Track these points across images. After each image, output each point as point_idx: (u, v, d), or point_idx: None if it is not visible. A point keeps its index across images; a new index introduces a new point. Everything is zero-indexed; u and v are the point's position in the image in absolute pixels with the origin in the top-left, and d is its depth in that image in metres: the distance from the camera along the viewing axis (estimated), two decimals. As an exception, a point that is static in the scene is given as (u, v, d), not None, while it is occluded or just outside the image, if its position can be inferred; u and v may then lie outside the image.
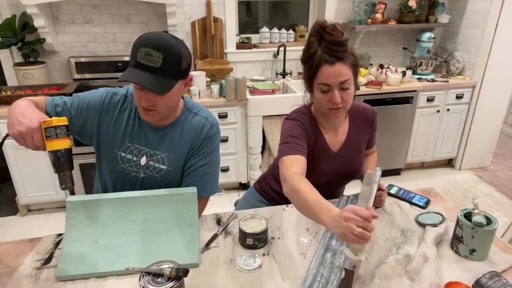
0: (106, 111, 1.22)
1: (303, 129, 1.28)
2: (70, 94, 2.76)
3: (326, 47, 1.16)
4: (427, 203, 1.38)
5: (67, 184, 1.03)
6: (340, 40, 1.16)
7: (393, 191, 1.45)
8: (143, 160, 1.25)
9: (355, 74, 1.22)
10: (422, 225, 1.24)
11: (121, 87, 1.32)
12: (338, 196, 1.55)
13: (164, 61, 1.04)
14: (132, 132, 1.22)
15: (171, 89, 1.09)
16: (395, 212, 1.34)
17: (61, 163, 1.00)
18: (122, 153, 1.24)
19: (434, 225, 1.22)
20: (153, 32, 1.09)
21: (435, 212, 1.30)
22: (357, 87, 1.28)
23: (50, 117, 1.15)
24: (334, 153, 1.35)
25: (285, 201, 1.52)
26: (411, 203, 1.39)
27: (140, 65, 1.05)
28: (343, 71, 1.17)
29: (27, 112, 1.01)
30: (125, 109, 1.23)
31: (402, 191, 1.45)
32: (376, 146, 1.57)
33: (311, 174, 1.21)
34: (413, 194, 1.43)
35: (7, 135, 1.04)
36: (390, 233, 1.22)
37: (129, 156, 1.24)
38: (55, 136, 0.99)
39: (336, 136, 1.36)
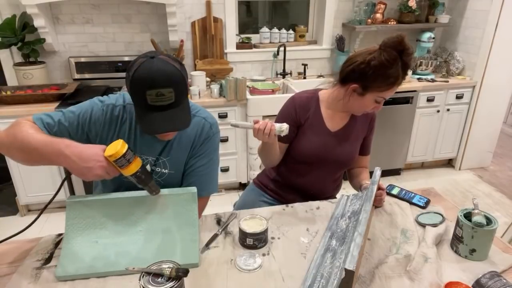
0: (109, 125, 1.18)
1: (291, 112, 1.46)
2: (71, 95, 2.75)
3: (403, 72, 1.29)
4: (427, 203, 1.38)
5: (156, 190, 1.07)
6: (411, 64, 1.30)
7: (394, 191, 1.45)
8: (147, 169, 1.24)
9: None
10: (422, 225, 1.24)
11: (115, 92, 1.29)
12: (331, 190, 1.62)
13: (176, 93, 1.02)
14: (134, 143, 1.21)
15: (190, 111, 1.09)
16: (395, 212, 1.34)
17: (143, 179, 1.03)
18: None
19: (434, 225, 1.22)
20: (149, 68, 0.99)
21: (435, 212, 1.30)
22: None
23: None
24: (331, 132, 1.48)
25: (282, 190, 1.59)
26: (411, 203, 1.39)
27: (155, 107, 1.01)
28: None
29: (84, 153, 0.96)
30: (125, 120, 1.19)
31: (403, 192, 1.45)
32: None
33: (306, 148, 1.44)
34: (413, 194, 1.43)
35: (66, 178, 1.05)
36: (390, 233, 1.22)
37: None
38: (127, 162, 0.98)
39: (337, 120, 1.49)
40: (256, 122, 1.25)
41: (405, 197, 1.42)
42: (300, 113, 1.46)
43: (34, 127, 1.06)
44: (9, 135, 1.03)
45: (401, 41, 1.24)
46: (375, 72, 1.28)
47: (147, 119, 1.03)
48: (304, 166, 1.51)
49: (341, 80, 1.39)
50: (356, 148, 1.54)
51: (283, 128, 1.25)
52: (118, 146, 0.96)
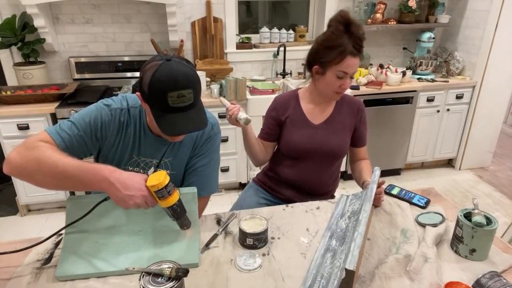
0: (118, 130, 1.18)
1: (272, 112, 1.57)
2: (71, 95, 2.75)
3: (354, 41, 1.35)
4: (427, 203, 1.38)
5: (187, 225, 1.07)
6: (364, 38, 1.36)
7: (394, 191, 1.45)
8: (150, 171, 1.24)
9: None
10: (422, 225, 1.25)
11: (115, 93, 1.28)
12: (328, 185, 1.64)
13: (194, 94, 1.03)
14: (139, 146, 1.20)
15: (205, 111, 1.10)
16: (395, 212, 1.34)
17: (178, 212, 1.02)
18: (129, 167, 1.22)
19: (434, 225, 1.22)
20: (169, 70, 0.99)
21: (435, 212, 1.30)
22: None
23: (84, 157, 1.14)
24: (315, 125, 1.53)
25: (278, 186, 1.63)
26: (411, 203, 1.39)
27: (175, 109, 1.02)
28: (358, 64, 1.39)
29: (128, 181, 0.96)
30: (130, 123, 1.19)
31: (403, 192, 1.45)
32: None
33: (292, 142, 1.52)
34: (413, 194, 1.43)
35: (100, 202, 1.05)
36: (389, 233, 1.22)
37: (137, 169, 1.23)
38: (167, 194, 0.98)
39: (320, 113, 1.54)
40: (232, 103, 1.43)
41: (405, 197, 1.42)
42: (280, 111, 1.55)
43: (56, 149, 1.02)
44: (30, 160, 0.98)
45: (342, 14, 1.36)
46: (326, 46, 1.38)
47: (169, 120, 1.02)
48: (295, 160, 1.55)
49: (308, 69, 1.49)
50: (345, 139, 1.55)
51: (242, 117, 1.39)
52: (162, 177, 0.97)
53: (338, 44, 1.35)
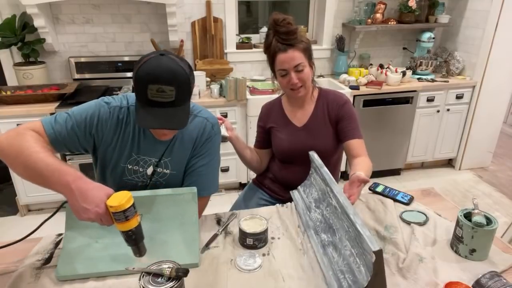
0: (115, 128, 1.18)
1: (259, 121, 1.63)
2: (71, 95, 2.74)
3: (279, 37, 1.36)
4: (411, 200, 1.39)
5: (141, 253, 0.98)
6: (290, 29, 1.34)
7: (379, 189, 1.47)
8: (149, 170, 1.24)
9: (309, 57, 1.42)
10: (407, 222, 1.26)
11: (115, 92, 1.27)
12: None
13: (177, 92, 1.01)
14: (138, 144, 1.20)
15: (189, 114, 1.08)
16: (378, 209, 1.35)
17: (133, 239, 0.95)
18: (128, 165, 1.23)
19: (419, 224, 1.24)
20: (155, 63, 1.00)
21: (418, 211, 1.32)
22: (314, 68, 1.48)
23: (69, 150, 1.13)
24: (299, 127, 1.54)
25: (276, 187, 1.64)
26: (395, 200, 1.40)
27: (153, 103, 1.01)
28: (295, 56, 1.36)
29: (88, 193, 0.89)
30: (129, 121, 1.19)
31: (388, 190, 1.46)
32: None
33: (279, 146, 1.55)
34: (397, 192, 1.44)
35: (63, 204, 1.03)
36: (374, 227, 1.24)
37: (136, 168, 1.23)
38: (125, 219, 0.91)
39: (302, 114, 1.54)
40: (220, 118, 1.47)
41: (389, 195, 1.43)
42: (264, 119, 1.61)
43: (39, 141, 1.00)
44: (13, 146, 0.97)
45: (272, 17, 1.36)
46: (265, 54, 1.44)
47: (144, 112, 1.02)
48: (288, 163, 1.57)
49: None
50: (329, 137, 1.52)
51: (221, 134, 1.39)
52: (123, 200, 0.90)
53: (267, 46, 1.40)
